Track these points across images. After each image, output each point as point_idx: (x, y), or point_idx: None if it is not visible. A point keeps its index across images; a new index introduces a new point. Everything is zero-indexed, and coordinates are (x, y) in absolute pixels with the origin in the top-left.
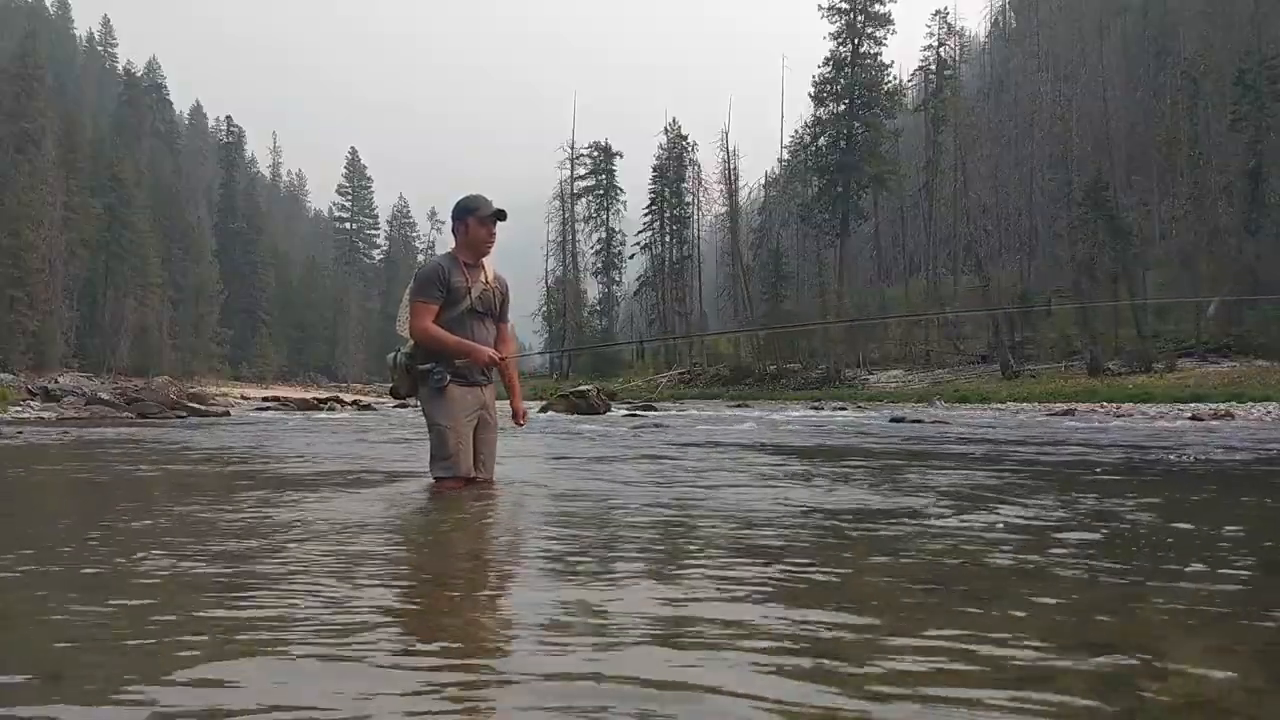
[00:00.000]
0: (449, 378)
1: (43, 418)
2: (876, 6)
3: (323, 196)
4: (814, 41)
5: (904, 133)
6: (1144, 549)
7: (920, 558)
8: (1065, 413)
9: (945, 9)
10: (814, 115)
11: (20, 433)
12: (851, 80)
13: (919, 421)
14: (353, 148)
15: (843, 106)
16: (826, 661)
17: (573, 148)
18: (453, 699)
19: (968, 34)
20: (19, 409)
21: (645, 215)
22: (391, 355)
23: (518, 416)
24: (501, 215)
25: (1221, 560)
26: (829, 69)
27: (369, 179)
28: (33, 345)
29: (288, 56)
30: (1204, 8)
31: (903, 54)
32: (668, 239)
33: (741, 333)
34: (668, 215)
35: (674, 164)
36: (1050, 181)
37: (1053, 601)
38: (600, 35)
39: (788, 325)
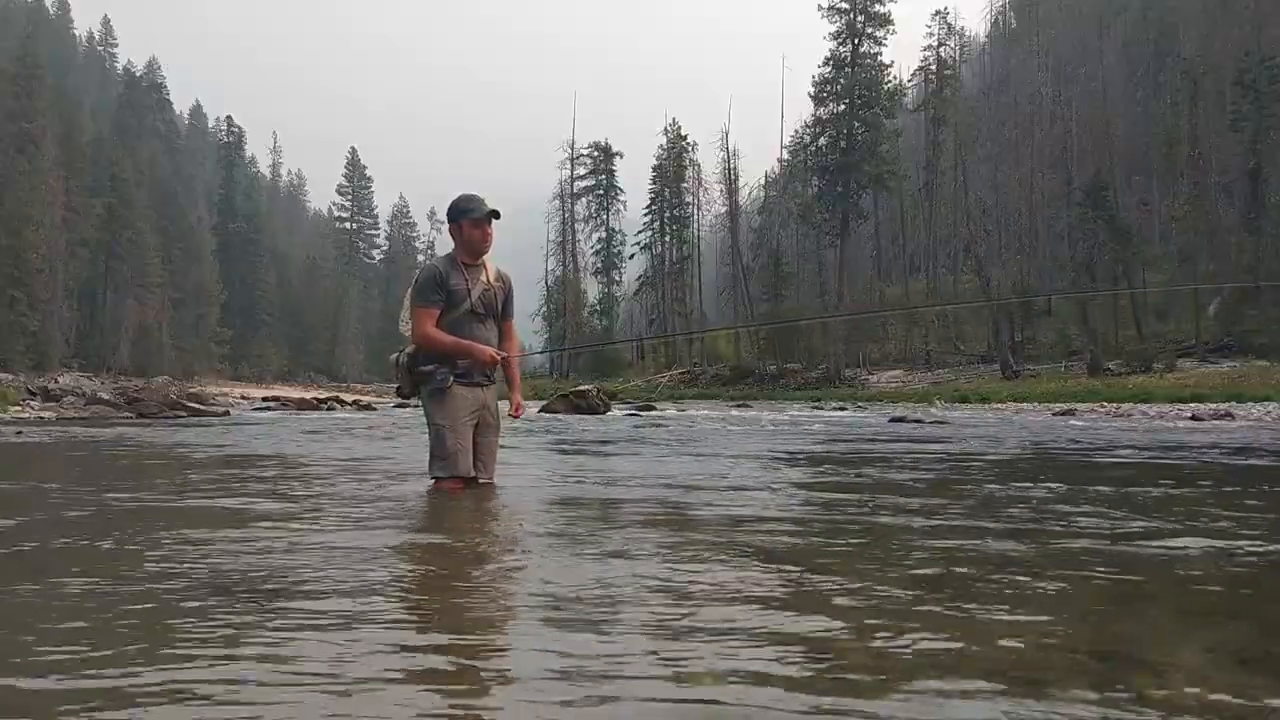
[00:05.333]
0: (452, 379)
1: (43, 417)
2: (876, 6)
3: (323, 196)
4: (814, 41)
5: (904, 133)
6: None
7: None
8: (1066, 413)
9: (945, 9)
10: (814, 115)
11: (20, 433)
12: (851, 80)
13: (919, 421)
14: (353, 148)
15: (843, 106)
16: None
17: (573, 148)
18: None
19: (968, 34)
20: (19, 409)
21: (645, 215)
22: (394, 356)
23: (515, 408)
24: (495, 215)
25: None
26: (829, 69)
27: (369, 179)
28: (33, 345)
29: (288, 56)
30: (1204, 8)
31: (903, 54)
32: (668, 239)
33: (741, 328)
34: (668, 215)
35: (674, 164)
36: (1050, 181)
37: None
38: (600, 35)
39: (787, 320)
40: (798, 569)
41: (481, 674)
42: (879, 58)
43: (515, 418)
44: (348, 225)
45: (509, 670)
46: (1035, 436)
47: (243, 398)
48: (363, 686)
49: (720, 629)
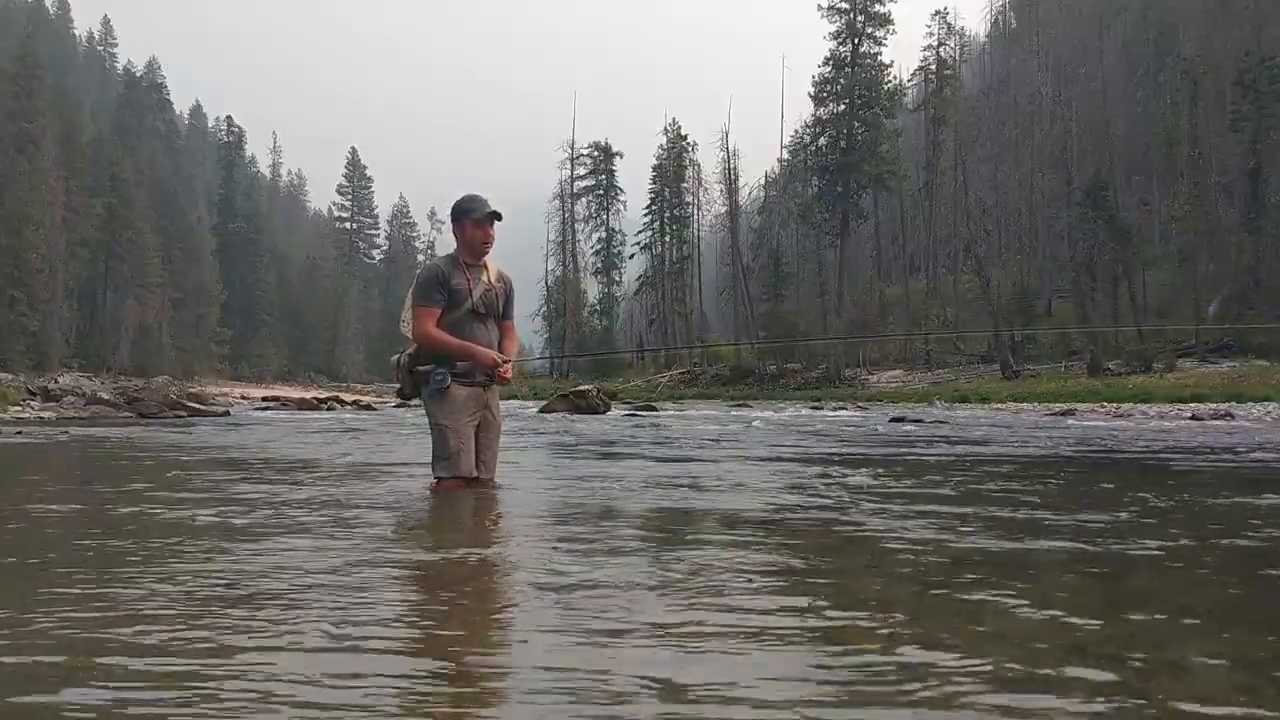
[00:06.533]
0: (450, 379)
1: (43, 417)
2: (876, 6)
3: (323, 196)
4: (814, 41)
5: (904, 133)
6: None
7: None
8: (1066, 413)
9: (945, 9)
10: (814, 115)
11: (20, 432)
12: (851, 80)
13: (919, 421)
14: (353, 147)
15: (843, 106)
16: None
17: (573, 148)
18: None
19: (968, 34)
20: (19, 409)
21: (645, 215)
22: (395, 357)
23: (502, 376)
24: (497, 216)
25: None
26: (829, 69)
27: (369, 179)
28: (33, 345)
29: (288, 56)
30: (1204, 8)
31: (903, 54)
32: (668, 239)
33: (743, 345)
34: (668, 215)
35: (674, 164)
36: (1050, 181)
37: None
38: (600, 35)
39: (787, 339)
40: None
41: None
42: (879, 58)
43: (503, 383)
44: (348, 225)
45: None
46: (1076, 437)
47: (243, 398)
48: None
49: None
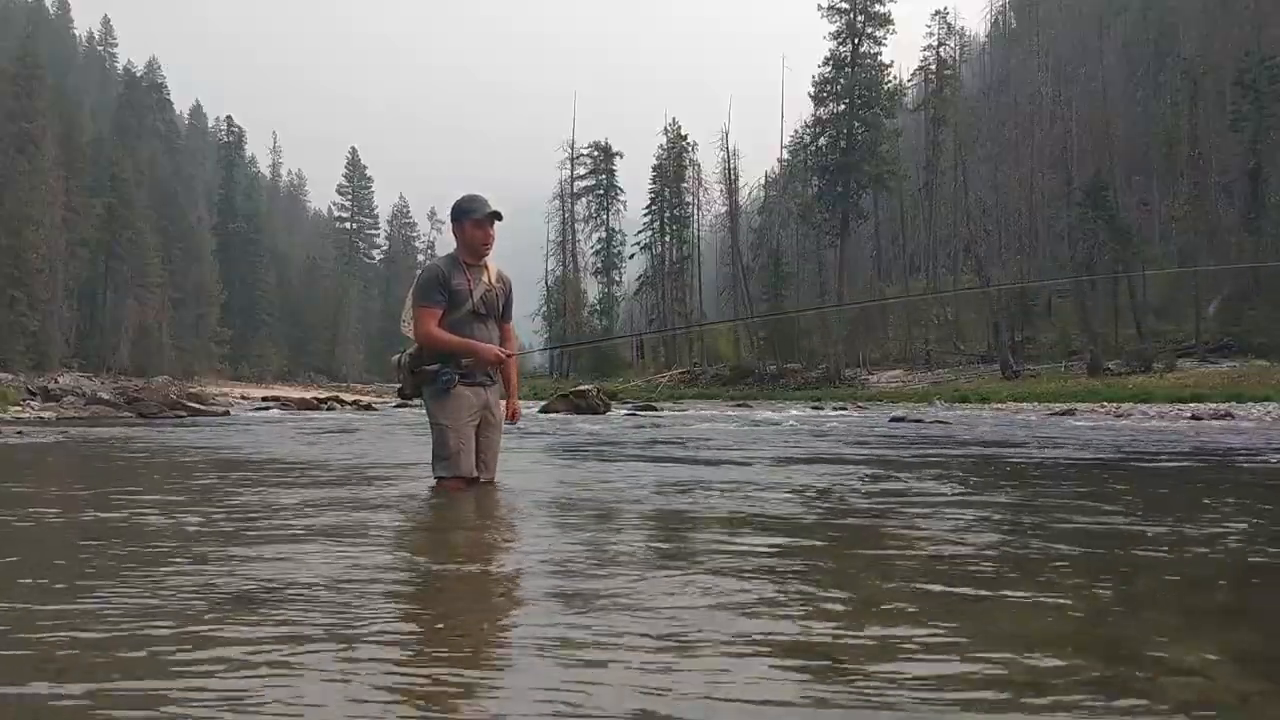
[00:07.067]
0: (457, 378)
1: (43, 417)
2: (876, 6)
3: (323, 196)
4: (814, 41)
5: (904, 133)
6: None
7: None
8: (1066, 413)
9: (945, 9)
10: (814, 115)
11: (20, 433)
12: (851, 80)
13: (920, 421)
14: (353, 147)
15: (843, 106)
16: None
17: (573, 148)
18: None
19: (968, 34)
20: (19, 409)
21: (645, 215)
22: (396, 356)
23: (512, 415)
24: (497, 216)
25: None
26: (829, 69)
27: (369, 179)
28: (33, 345)
29: (288, 56)
30: (1204, 8)
31: (903, 54)
32: (668, 239)
33: (740, 322)
34: (668, 215)
35: (674, 164)
36: (1050, 181)
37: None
38: (600, 35)
39: (784, 312)
40: None
41: None
42: (879, 58)
43: (512, 422)
44: (348, 225)
45: None
46: (1096, 439)
47: (243, 398)
48: None
49: None
